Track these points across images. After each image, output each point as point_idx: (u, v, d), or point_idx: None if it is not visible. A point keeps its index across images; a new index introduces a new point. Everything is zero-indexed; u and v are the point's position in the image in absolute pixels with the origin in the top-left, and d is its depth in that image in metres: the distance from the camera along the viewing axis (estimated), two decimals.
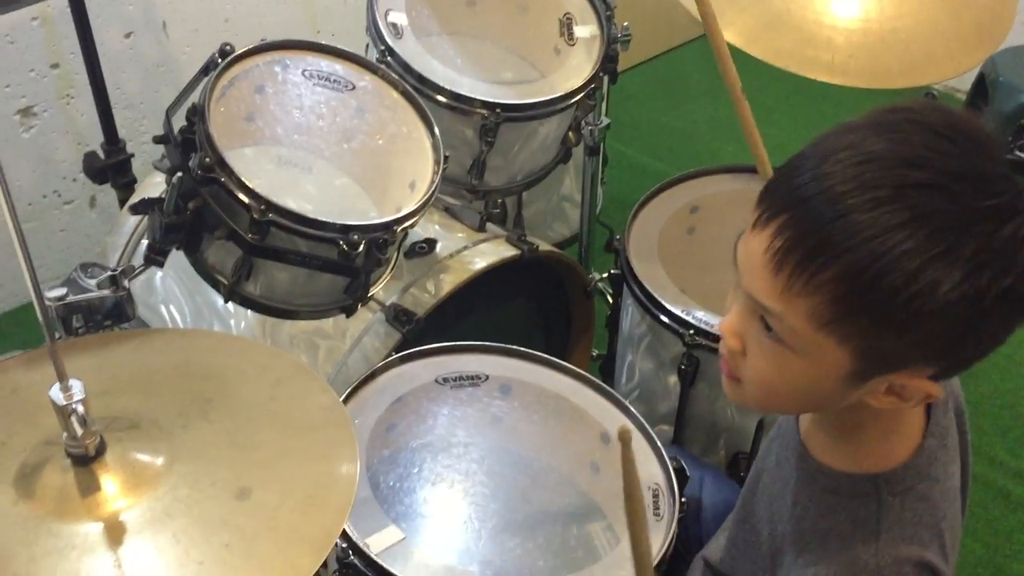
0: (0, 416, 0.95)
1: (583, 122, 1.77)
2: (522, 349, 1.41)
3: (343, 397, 1.30)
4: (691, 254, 1.69)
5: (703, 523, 1.30)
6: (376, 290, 1.41)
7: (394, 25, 1.61)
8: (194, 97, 1.30)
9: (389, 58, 1.56)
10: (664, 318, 1.55)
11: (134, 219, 1.72)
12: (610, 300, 1.79)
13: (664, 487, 1.24)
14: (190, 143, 1.27)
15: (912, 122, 0.77)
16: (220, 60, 1.31)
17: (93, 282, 1.23)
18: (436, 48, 1.68)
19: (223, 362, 1.05)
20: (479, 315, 1.68)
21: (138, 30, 2.19)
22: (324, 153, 1.45)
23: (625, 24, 1.72)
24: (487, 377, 1.37)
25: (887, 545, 0.85)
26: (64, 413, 0.84)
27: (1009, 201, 0.73)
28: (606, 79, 1.75)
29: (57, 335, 1.19)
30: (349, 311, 1.40)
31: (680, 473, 1.24)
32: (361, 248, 1.27)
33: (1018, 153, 2.51)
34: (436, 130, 1.43)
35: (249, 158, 1.38)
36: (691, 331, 1.51)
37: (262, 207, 1.23)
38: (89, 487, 0.86)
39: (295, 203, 1.29)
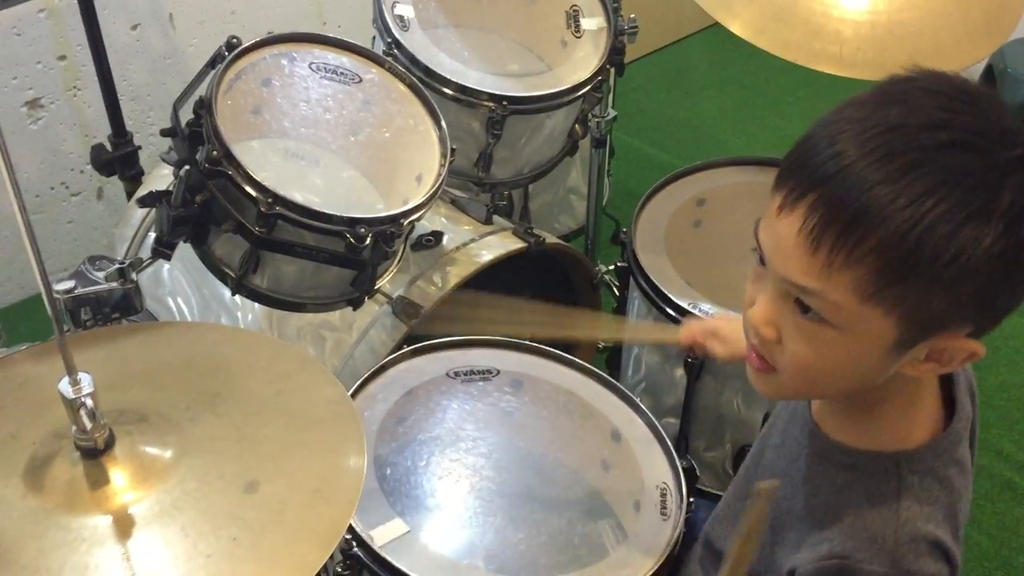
0: (9, 409, 0.95)
1: (590, 114, 1.77)
2: (533, 344, 1.41)
3: (353, 389, 1.30)
4: (697, 247, 1.69)
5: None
6: (383, 283, 1.42)
7: (401, 17, 1.61)
8: (201, 90, 1.30)
9: (396, 51, 1.56)
10: (670, 311, 1.55)
11: (141, 211, 1.72)
12: (616, 292, 1.79)
13: (672, 486, 1.24)
14: (197, 136, 1.27)
15: (920, 90, 0.77)
16: (227, 53, 1.31)
17: (101, 275, 1.24)
18: (443, 40, 1.68)
19: (231, 355, 1.06)
20: None
21: (145, 22, 2.19)
22: (331, 146, 1.45)
23: (632, 16, 1.72)
24: (498, 372, 1.38)
25: (906, 522, 0.85)
26: (73, 406, 0.84)
27: None
28: (613, 71, 1.75)
29: (65, 328, 1.20)
30: (356, 304, 1.41)
31: (689, 472, 1.24)
32: (368, 241, 1.27)
33: None
34: (443, 123, 1.43)
35: (256, 151, 1.38)
36: None
37: (269, 200, 1.23)
38: (98, 480, 0.87)
39: (302, 196, 1.29)
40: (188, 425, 0.94)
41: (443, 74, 1.55)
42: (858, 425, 0.91)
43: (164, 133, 1.33)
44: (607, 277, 1.83)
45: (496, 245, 1.61)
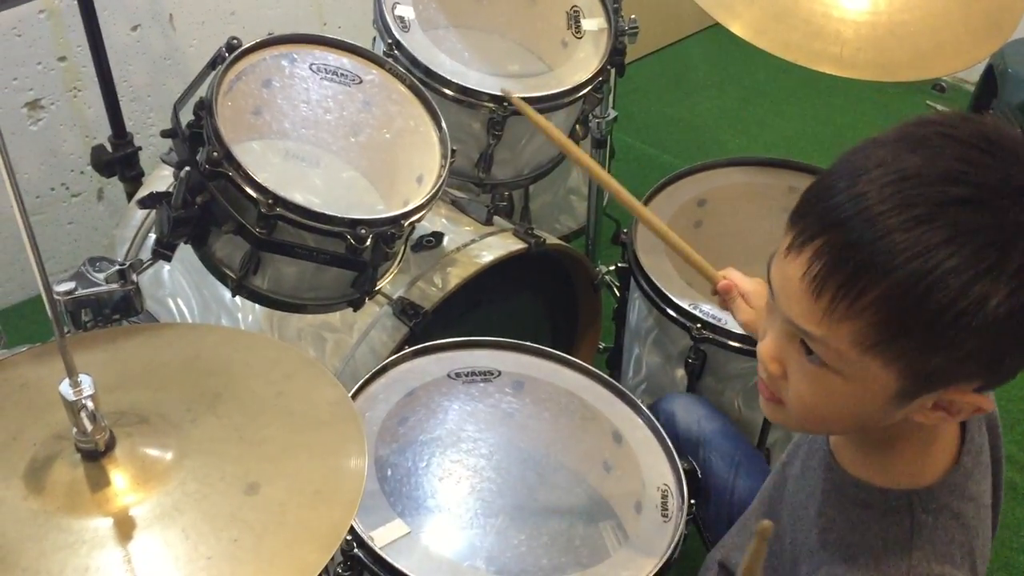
0: (10, 411, 0.95)
1: (590, 115, 1.77)
2: (535, 345, 1.41)
3: (354, 390, 1.30)
4: (698, 247, 1.68)
5: (733, 508, 1.29)
6: (383, 284, 1.42)
7: (401, 18, 1.61)
8: (201, 91, 1.30)
9: (396, 51, 1.55)
10: (671, 311, 1.54)
11: (142, 212, 1.72)
12: (617, 293, 1.79)
13: (673, 487, 1.24)
14: (198, 137, 1.27)
15: (943, 136, 0.75)
16: (227, 54, 1.31)
17: (101, 276, 1.23)
18: (443, 41, 1.68)
19: (231, 357, 1.05)
20: (487, 308, 1.68)
21: (145, 23, 2.19)
22: (331, 147, 1.45)
23: (632, 17, 1.72)
24: (499, 373, 1.38)
25: (919, 563, 0.83)
26: (74, 408, 0.84)
27: None
28: (613, 72, 1.75)
29: (66, 329, 1.20)
30: (356, 305, 1.40)
31: (690, 474, 1.24)
32: (368, 242, 1.27)
33: None
34: (443, 124, 1.43)
35: (256, 152, 1.38)
36: (698, 324, 1.51)
37: (270, 201, 1.23)
38: (99, 482, 0.87)
39: (302, 197, 1.29)
40: (189, 427, 0.94)
41: (444, 75, 1.55)
42: (875, 461, 0.89)
43: (164, 134, 1.33)
44: (608, 278, 1.83)
45: (497, 246, 1.61)
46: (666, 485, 1.24)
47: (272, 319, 1.59)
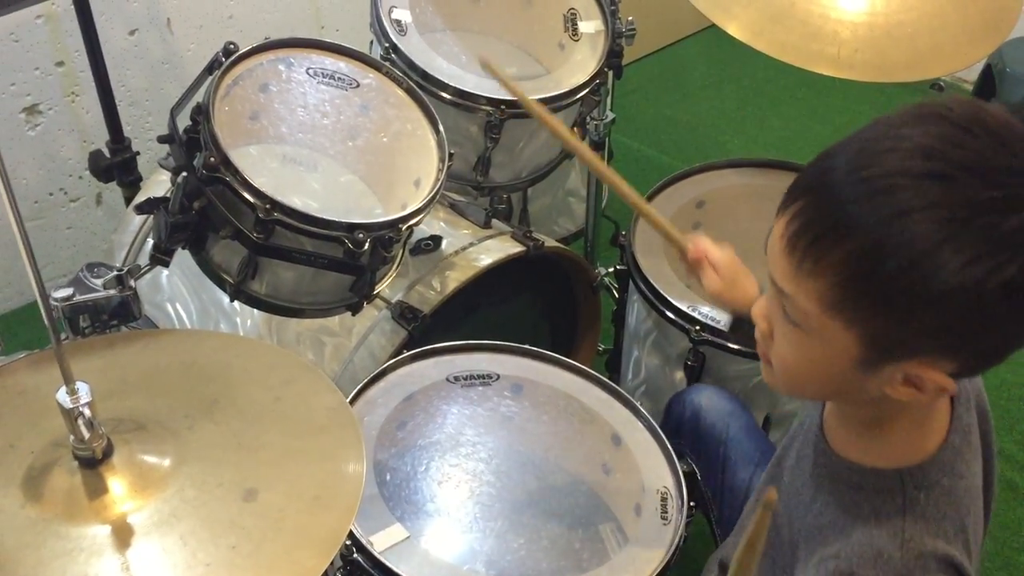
0: (7, 419, 0.95)
1: (588, 117, 1.76)
2: (534, 349, 1.41)
3: (353, 394, 1.30)
4: None
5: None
6: (382, 288, 1.41)
7: (398, 22, 1.61)
8: (198, 96, 1.30)
9: (393, 55, 1.56)
10: (670, 314, 1.54)
11: (140, 217, 1.72)
12: (616, 295, 1.78)
13: (673, 490, 1.24)
14: (195, 142, 1.27)
15: (937, 115, 0.77)
16: (224, 59, 1.31)
17: (99, 282, 1.23)
18: (440, 45, 1.68)
19: (229, 363, 1.05)
20: (485, 311, 1.68)
21: (142, 27, 2.18)
22: (329, 151, 1.45)
23: (630, 18, 1.72)
24: (498, 376, 1.38)
25: (912, 539, 0.85)
26: (71, 416, 0.84)
27: (1016, 194, 0.73)
28: (611, 74, 1.75)
29: (63, 335, 1.19)
30: (355, 309, 1.40)
31: (690, 477, 1.24)
32: (366, 246, 1.27)
33: None
34: (441, 127, 1.43)
35: (254, 157, 1.38)
36: (697, 327, 1.51)
37: (267, 206, 1.23)
38: (97, 489, 0.87)
39: (300, 202, 1.29)
40: (186, 433, 0.94)
41: (441, 78, 1.55)
42: (866, 441, 0.91)
43: (162, 140, 1.33)
44: (607, 280, 1.83)
45: (495, 249, 1.61)
46: (665, 487, 1.24)
47: (271, 323, 1.59)
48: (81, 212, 2.29)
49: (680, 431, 1.40)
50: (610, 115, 1.86)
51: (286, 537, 0.86)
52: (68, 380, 0.84)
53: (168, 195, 1.30)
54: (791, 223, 0.79)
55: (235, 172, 1.23)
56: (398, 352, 1.44)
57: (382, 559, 1.12)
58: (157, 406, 0.97)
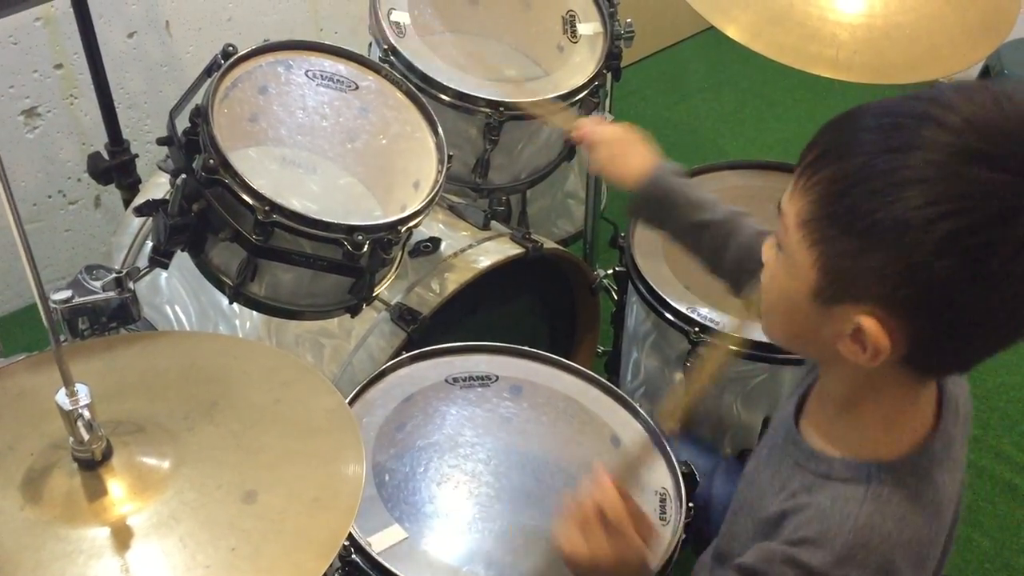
0: (7, 421, 0.95)
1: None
2: (533, 350, 1.41)
3: (352, 396, 1.30)
4: None
5: (713, 517, 1.30)
6: (381, 290, 1.42)
7: (397, 24, 1.61)
8: (197, 98, 1.30)
9: (392, 57, 1.56)
10: (669, 315, 1.54)
11: (139, 220, 1.72)
12: (615, 297, 1.79)
13: (672, 492, 1.24)
14: (194, 145, 1.27)
15: (982, 87, 0.79)
16: (223, 61, 1.31)
17: (98, 284, 1.23)
18: (439, 47, 1.68)
19: (229, 364, 1.05)
20: (484, 313, 1.68)
21: (141, 30, 2.19)
22: (328, 153, 1.45)
23: (628, 20, 1.72)
24: (497, 378, 1.38)
25: (864, 528, 0.84)
26: (70, 418, 0.84)
27: (1008, 153, 0.73)
28: (610, 76, 1.75)
29: (63, 337, 1.19)
30: (354, 311, 1.40)
31: (689, 478, 1.24)
32: (366, 248, 1.27)
33: None
34: (440, 129, 1.43)
35: (253, 159, 1.38)
36: (696, 328, 1.51)
37: (266, 208, 1.23)
38: (96, 491, 0.87)
39: (299, 204, 1.29)
40: (186, 435, 0.94)
41: (440, 80, 1.55)
42: (840, 428, 0.91)
43: (160, 142, 1.33)
44: (605, 281, 1.83)
45: (494, 251, 1.61)
46: (664, 488, 1.24)
47: (270, 325, 1.59)
48: (80, 214, 2.29)
49: None
50: (609, 117, 1.86)
51: (286, 539, 0.86)
52: (67, 382, 0.84)
53: (167, 197, 1.30)
54: (811, 145, 0.81)
55: (234, 174, 1.23)
56: (397, 354, 1.44)
57: (381, 560, 1.11)
58: (156, 408, 0.97)
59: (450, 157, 1.41)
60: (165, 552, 0.84)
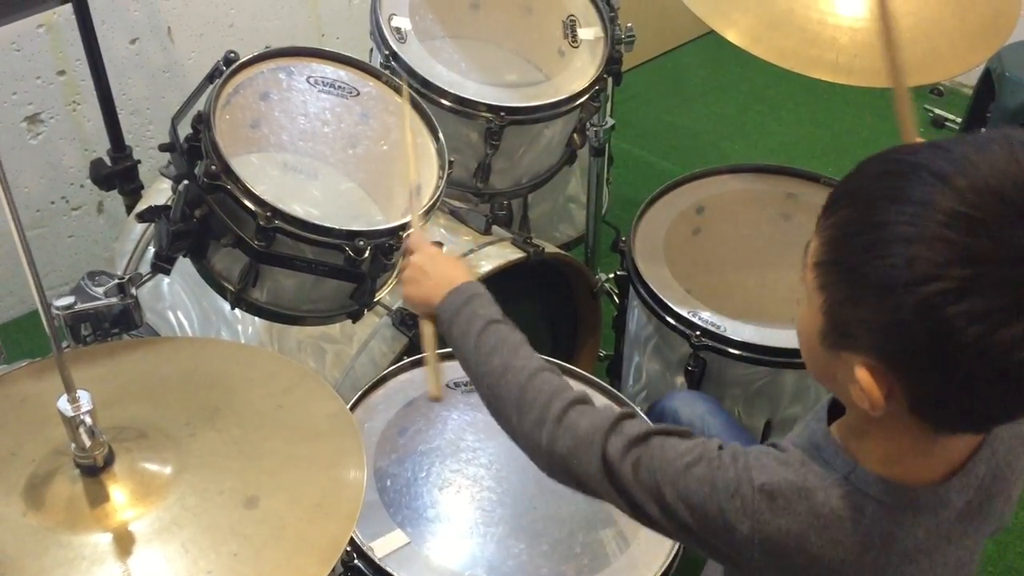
0: (9, 427, 0.96)
1: (588, 123, 1.77)
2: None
3: (353, 401, 1.30)
4: (697, 255, 1.69)
5: None
6: (382, 295, 1.42)
7: (398, 29, 1.61)
8: (199, 105, 1.30)
9: (393, 63, 1.56)
10: (670, 319, 1.55)
11: (141, 225, 1.72)
12: (616, 301, 1.79)
13: None
14: (196, 151, 1.28)
15: (1005, 141, 0.74)
16: (225, 68, 1.32)
17: (101, 290, 1.24)
18: (440, 52, 1.68)
19: (230, 370, 1.06)
20: None
21: (143, 36, 2.19)
22: (329, 159, 1.45)
23: (628, 25, 1.72)
24: None
25: (811, 491, 0.83)
26: (72, 425, 0.85)
27: (1008, 228, 0.70)
28: (610, 80, 1.75)
29: (65, 344, 1.20)
30: (355, 316, 1.41)
31: None
32: (367, 253, 1.27)
33: None
34: (441, 134, 1.43)
35: (255, 165, 1.38)
36: (697, 332, 1.51)
37: (268, 214, 1.23)
38: (98, 497, 0.87)
39: (301, 209, 1.30)
40: (188, 441, 0.94)
41: (441, 85, 1.55)
42: (848, 439, 0.88)
43: (163, 148, 1.34)
44: (607, 286, 1.83)
45: (495, 255, 1.61)
46: None
47: (272, 331, 1.60)
48: (82, 220, 2.29)
49: None
50: (610, 121, 1.86)
51: (287, 544, 0.86)
52: (69, 388, 0.85)
53: (169, 203, 1.31)
54: (839, 184, 0.81)
55: (236, 180, 1.23)
56: (399, 358, 1.45)
57: (383, 565, 1.12)
58: (158, 414, 0.97)
59: (451, 162, 1.41)
60: (167, 558, 0.84)
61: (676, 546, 1.17)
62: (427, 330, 1.10)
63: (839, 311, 0.78)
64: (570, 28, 1.72)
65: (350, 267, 1.29)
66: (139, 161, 1.94)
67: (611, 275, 1.76)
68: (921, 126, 2.98)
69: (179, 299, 1.68)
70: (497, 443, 1.32)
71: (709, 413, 1.40)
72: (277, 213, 1.23)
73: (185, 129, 1.30)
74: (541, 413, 0.95)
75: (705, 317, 1.53)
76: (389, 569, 1.11)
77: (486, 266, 1.58)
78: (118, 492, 0.87)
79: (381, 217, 1.43)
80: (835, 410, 0.91)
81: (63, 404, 0.85)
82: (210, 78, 1.33)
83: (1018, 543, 1.88)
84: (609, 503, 0.93)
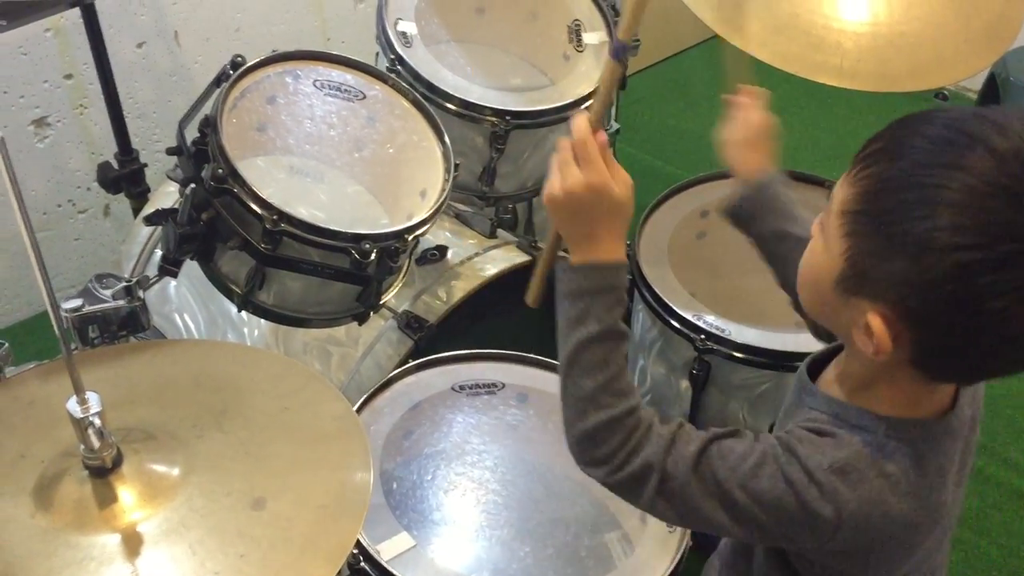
0: (18, 428, 0.96)
1: None
2: (539, 358, 1.41)
3: (359, 404, 1.31)
4: (701, 259, 1.70)
5: None
6: (388, 298, 1.42)
7: (404, 34, 1.62)
8: (206, 108, 1.31)
9: (399, 67, 1.57)
10: (675, 323, 1.55)
11: (148, 228, 1.73)
12: None
13: None
14: (203, 154, 1.28)
15: None
16: (231, 71, 1.33)
17: (108, 293, 1.24)
18: (445, 56, 1.69)
19: (237, 372, 1.06)
20: (491, 321, 1.68)
21: (150, 40, 2.20)
22: (335, 162, 1.46)
23: None
24: (503, 385, 1.38)
25: (865, 458, 0.85)
26: (81, 426, 0.85)
27: None
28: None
29: (72, 346, 1.20)
30: (361, 319, 1.41)
31: None
32: (373, 256, 1.28)
33: None
34: (446, 138, 1.44)
35: (261, 168, 1.39)
36: (702, 336, 1.51)
37: (274, 217, 1.24)
38: (106, 499, 0.87)
39: (307, 212, 1.30)
40: (195, 442, 0.94)
41: (446, 90, 1.56)
42: (858, 393, 0.91)
43: (170, 152, 1.34)
44: None
45: (500, 259, 1.61)
46: None
47: (278, 333, 1.60)
48: (89, 223, 2.30)
49: None
50: (615, 125, 1.87)
51: (294, 546, 0.87)
52: (78, 390, 0.85)
53: (176, 206, 1.31)
54: (875, 136, 0.82)
55: (243, 183, 1.24)
56: (404, 361, 1.45)
57: (389, 567, 1.12)
58: (166, 416, 0.97)
59: (456, 166, 1.42)
60: (174, 559, 0.84)
61: (681, 549, 1.18)
62: (552, 238, 1.01)
63: (864, 260, 0.80)
64: (575, 33, 1.73)
65: (356, 270, 1.30)
66: (146, 164, 1.95)
67: None
68: None
69: (186, 302, 1.69)
70: (502, 446, 1.33)
71: None
72: (283, 216, 1.24)
73: (192, 133, 1.31)
74: (612, 452, 0.92)
75: (709, 321, 1.53)
76: (395, 571, 1.12)
77: (491, 269, 1.58)
78: (126, 493, 0.88)
79: (387, 220, 1.43)
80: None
81: (72, 405, 0.85)
82: (217, 82, 1.34)
83: (1022, 547, 1.88)
84: (655, 516, 0.94)
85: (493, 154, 1.60)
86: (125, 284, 1.25)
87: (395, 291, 1.44)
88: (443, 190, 1.38)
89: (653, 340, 1.66)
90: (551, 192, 0.95)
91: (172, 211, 1.31)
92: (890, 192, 0.78)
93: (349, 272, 1.31)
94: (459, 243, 1.65)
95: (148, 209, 1.74)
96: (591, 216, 0.94)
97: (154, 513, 0.87)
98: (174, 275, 1.34)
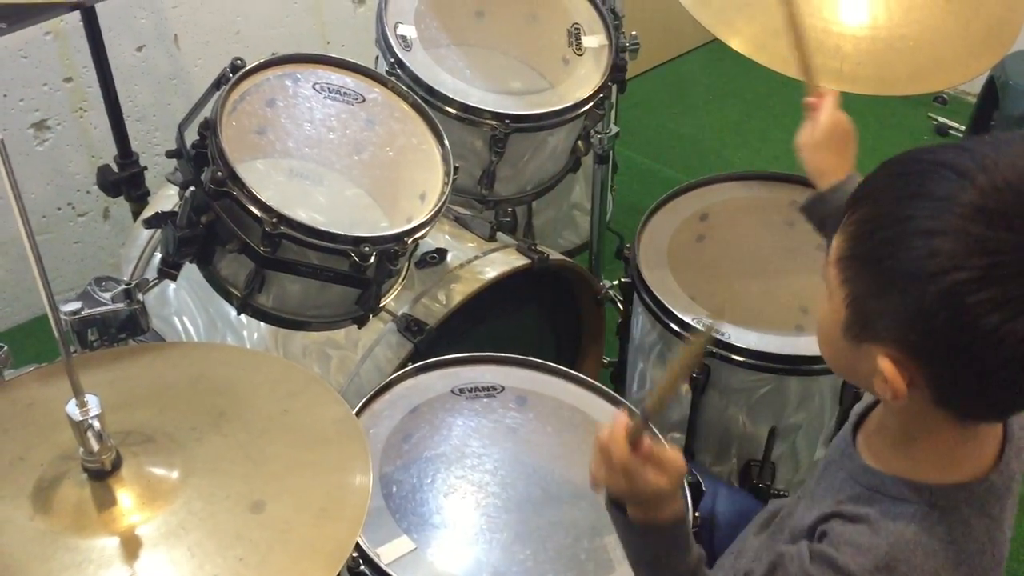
0: (17, 431, 0.96)
1: (592, 131, 1.77)
2: (538, 360, 1.41)
3: (359, 407, 1.31)
4: (701, 262, 1.70)
5: (717, 537, 1.30)
6: (387, 300, 1.42)
7: (403, 37, 1.62)
8: (206, 111, 1.31)
9: (398, 70, 1.57)
10: (674, 326, 1.55)
11: (148, 231, 1.73)
12: (620, 308, 1.79)
13: None
14: (202, 157, 1.28)
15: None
16: (231, 74, 1.33)
17: (108, 296, 1.24)
18: (445, 59, 1.69)
19: (236, 375, 1.06)
20: (490, 324, 1.68)
21: (150, 43, 2.20)
22: (335, 165, 1.46)
23: (633, 33, 1.73)
24: (503, 388, 1.38)
25: (907, 544, 0.83)
26: (81, 428, 0.85)
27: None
28: (615, 88, 1.76)
29: (72, 349, 1.20)
30: (361, 322, 1.41)
31: (695, 488, 1.24)
32: (372, 259, 1.28)
33: None
34: (446, 141, 1.44)
35: (260, 171, 1.39)
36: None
37: (274, 220, 1.23)
38: (105, 501, 0.87)
39: (306, 215, 1.30)
40: (194, 445, 0.94)
41: (446, 93, 1.56)
42: (898, 457, 0.89)
43: (169, 155, 1.34)
44: (611, 293, 1.83)
45: (500, 262, 1.61)
46: None
47: (277, 336, 1.60)
48: (89, 226, 2.30)
49: None
50: (614, 128, 1.87)
51: (293, 549, 0.87)
52: (78, 393, 0.85)
53: (176, 209, 1.31)
54: (861, 183, 0.83)
55: (242, 186, 1.24)
56: (404, 364, 1.45)
57: (389, 571, 1.12)
58: (165, 419, 0.97)
59: (456, 169, 1.42)
60: (173, 562, 0.84)
61: None
62: (684, 360, 0.97)
63: (863, 303, 0.81)
64: (575, 36, 1.73)
65: (355, 273, 1.30)
66: (145, 167, 1.95)
67: (615, 282, 1.76)
68: (925, 134, 2.98)
69: (185, 305, 1.69)
70: (502, 449, 1.32)
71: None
72: (283, 219, 1.24)
73: (192, 136, 1.31)
74: None
75: (710, 324, 1.53)
76: (395, 575, 1.11)
77: (490, 272, 1.58)
78: (125, 496, 0.88)
79: (386, 223, 1.43)
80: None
81: (71, 408, 0.85)
82: (216, 85, 1.34)
83: (1022, 551, 1.88)
84: None
85: (492, 157, 1.60)
86: (124, 287, 1.25)
87: (394, 294, 1.44)
88: (442, 193, 1.38)
89: (653, 343, 1.66)
90: (595, 481, 0.98)
91: (171, 214, 1.31)
92: (872, 232, 0.80)
93: (348, 275, 1.31)
94: (459, 246, 1.65)
95: (147, 212, 1.74)
96: (634, 498, 0.97)
97: (153, 516, 0.87)
98: (173, 278, 1.33)
